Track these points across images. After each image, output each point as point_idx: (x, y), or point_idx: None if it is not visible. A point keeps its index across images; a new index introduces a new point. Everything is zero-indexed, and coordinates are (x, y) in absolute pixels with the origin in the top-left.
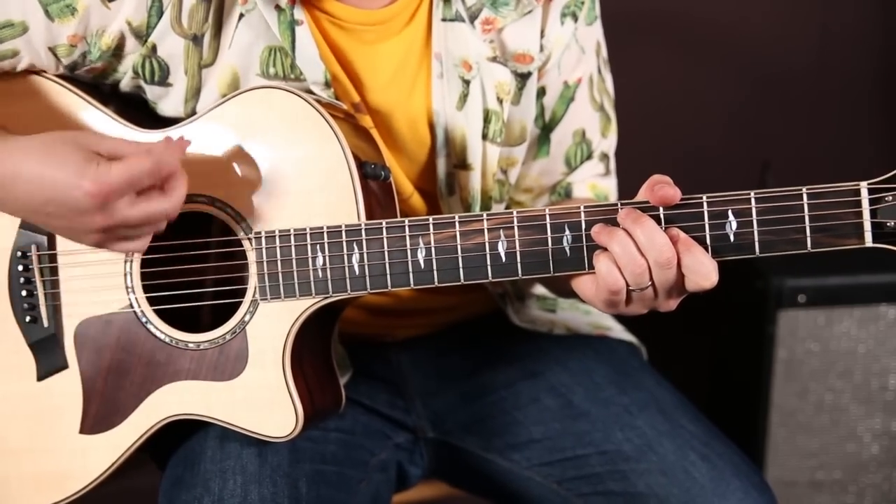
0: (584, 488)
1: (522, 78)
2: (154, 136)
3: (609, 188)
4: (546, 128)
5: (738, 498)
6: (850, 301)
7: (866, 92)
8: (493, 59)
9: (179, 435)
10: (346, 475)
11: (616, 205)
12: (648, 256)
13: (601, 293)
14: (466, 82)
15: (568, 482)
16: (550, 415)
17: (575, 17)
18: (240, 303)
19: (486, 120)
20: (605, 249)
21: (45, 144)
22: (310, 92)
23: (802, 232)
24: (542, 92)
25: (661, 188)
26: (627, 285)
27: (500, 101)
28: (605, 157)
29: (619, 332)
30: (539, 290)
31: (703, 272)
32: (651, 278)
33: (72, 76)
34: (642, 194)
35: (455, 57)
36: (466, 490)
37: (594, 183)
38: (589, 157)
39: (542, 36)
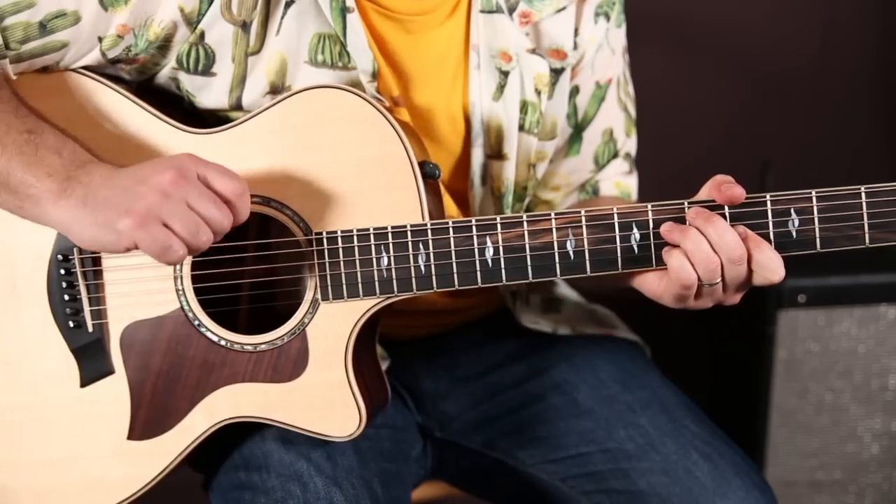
0: (587, 486)
1: (556, 73)
2: (204, 135)
3: (632, 186)
4: (578, 127)
5: (739, 497)
6: (850, 301)
7: (867, 91)
8: (533, 51)
9: (223, 437)
10: (401, 471)
11: (682, 203)
12: (721, 253)
13: (673, 287)
14: (505, 73)
15: (572, 479)
16: (555, 413)
17: (607, 17)
18: (293, 304)
19: (523, 111)
20: (676, 246)
21: None
22: (356, 84)
23: (861, 228)
24: (575, 91)
25: (728, 188)
26: (699, 280)
27: (539, 93)
28: (628, 156)
29: (623, 331)
30: (546, 293)
31: (773, 267)
32: (722, 274)
33: (107, 73)
34: (706, 193)
35: (493, 48)
36: (467, 490)
37: (619, 181)
38: (615, 155)
39: (576, 34)
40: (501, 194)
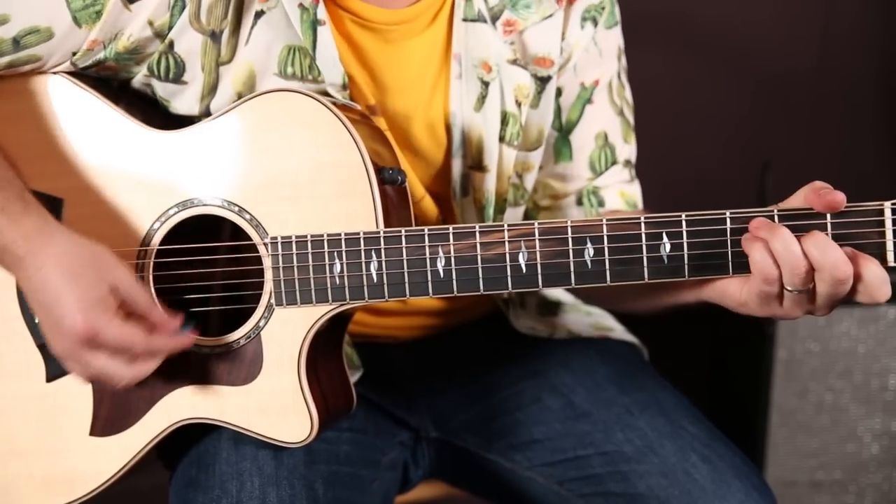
0: (584, 489)
1: (542, 82)
2: (166, 136)
3: (636, 194)
4: (564, 130)
5: (738, 500)
6: (850, 301)
7: (867, 92)
8: (514, 62)
9: (190, 434)
10: (359, 475)
11: (639, 218)
12: (824, 270)
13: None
14: (485, 84)
15: (569, 483)
16: (552, 415)
17: (595, 22)
18: (254, 308)
19: (504, 122)
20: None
21: (80, 262)
22: (325, 94)
23: None
24: (558, 92)
25: (826, 193)
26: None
27: (519, 105)
28: (628, 163)
29: (620, 332)
30: (542, 295)
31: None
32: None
33: (80, 73)
34: (799, 199)
35: (474, 58)
36: (467, 490)
37: (622, 190)
38: (614, 162)
39: (562, 39)
40: (483, 205)
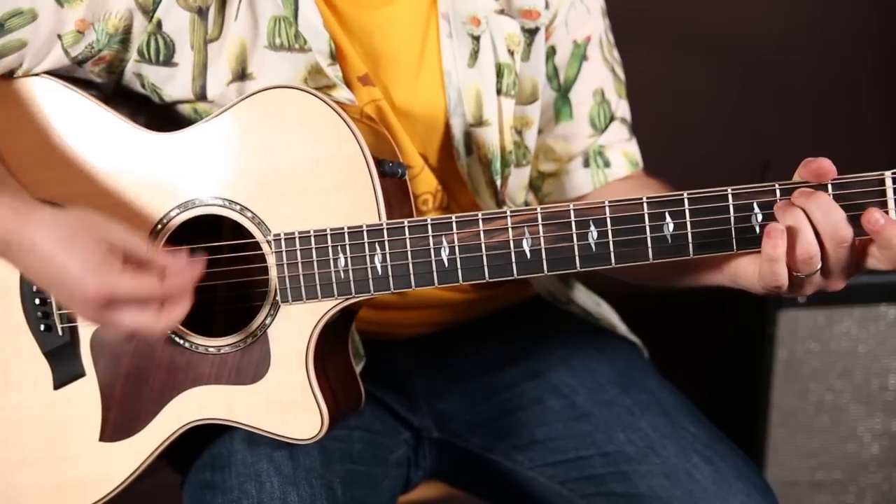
0: (586, 489)
1: (530, 34)
2: (165, 137)
3: (636, 153)
4: (563, 89)
5: (740, 500)
6: (850, 301)
7: (866, 90)
8: (501, 12)
9: (199, 437)
10: (372, 474)
11: (641, 199)
12: (825, 236)
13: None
14: (476, 38)
15: (571, 483)
16: (553, 416)
17: None
18: (258, 306)
19: (499, 74)
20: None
21: (69, 230)
22: (315, 66)
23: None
24: (552, 52)
25: (809, 161)
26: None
27: (512, 54)
28: (624, 120)
29: (623, 331)
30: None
31: None
32: (825, 257)
33: (74, 77)
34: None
35: (462, 14)
36: (467, 491)
37: (624, 150)
38: (612, 118)
39: None
40: (489, 161)
